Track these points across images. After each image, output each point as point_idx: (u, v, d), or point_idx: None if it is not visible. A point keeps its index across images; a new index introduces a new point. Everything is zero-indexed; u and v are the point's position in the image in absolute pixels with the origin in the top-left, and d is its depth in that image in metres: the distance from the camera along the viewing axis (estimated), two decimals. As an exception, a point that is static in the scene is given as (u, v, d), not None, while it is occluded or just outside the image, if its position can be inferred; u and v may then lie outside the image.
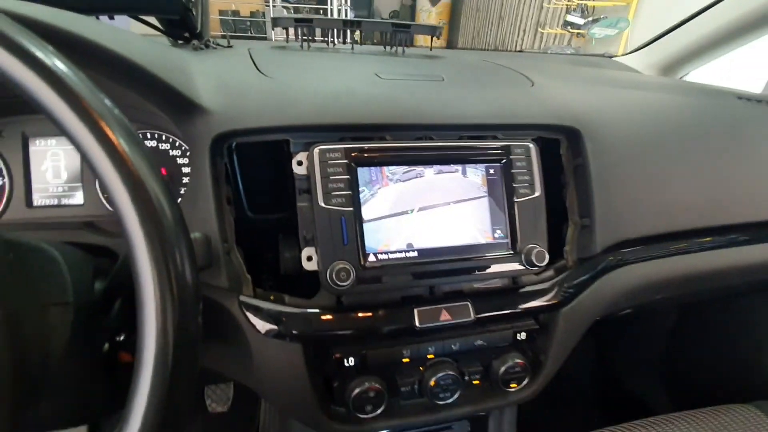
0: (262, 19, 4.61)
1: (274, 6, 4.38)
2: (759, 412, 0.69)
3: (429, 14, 8.49)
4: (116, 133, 0.24)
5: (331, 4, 4.50)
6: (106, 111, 0.24)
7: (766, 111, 0.69)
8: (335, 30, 0.63)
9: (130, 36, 0.40)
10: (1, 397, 0.26)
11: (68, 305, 0.35)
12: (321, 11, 5.69)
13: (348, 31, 0.63)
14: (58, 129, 0.24)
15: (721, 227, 0.59)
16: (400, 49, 0.66)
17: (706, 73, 1.08)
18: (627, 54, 1.17)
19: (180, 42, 0.66)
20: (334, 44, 0.69)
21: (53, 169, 0.51)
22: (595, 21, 2.51)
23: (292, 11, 5.26)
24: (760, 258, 0.61)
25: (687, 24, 1.01)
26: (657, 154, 0.57)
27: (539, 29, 3.42)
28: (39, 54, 0.23)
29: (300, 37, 0.63)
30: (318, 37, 0.66)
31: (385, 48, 0.68)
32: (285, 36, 0.67)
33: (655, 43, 1.10)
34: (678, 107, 0.64)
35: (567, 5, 2.83)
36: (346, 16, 4.57)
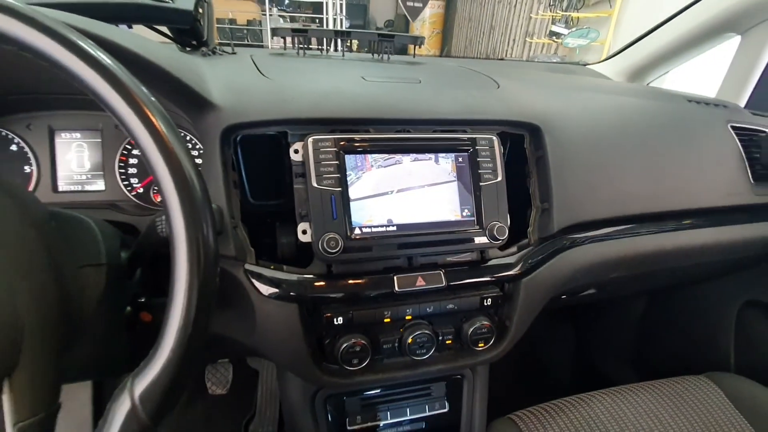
0: (258, 28, 4.71)
1: (270, 15, 4.48)
2: (709, 381, 0.77)
3: (423, 24, 8.63)
4: (158, 119, 0.31)
5: (327, 14, 4.61)
6: (150, 102, 0.31)
7: (709, 113, 0.78)
8: (328, 39, 0.71)
9: (151, 43, 0.47)
10: (50, 342, 0.33)
11: (101, 267, 0.42)
12: (317, 20, 5.80)
13: (339, 40, 0.71)
14: (113, 116, 0.31)
15: (664, 213, 0.67)
16: (386, 56, 0.74)
17: (677, 80, 1.18)
18: (599, 62, 1.26)
19: (188, 49, 0.73)
20: (327, 52, 0.77)
21: (77, 159, 0.58)
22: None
23: (289, 20, 5.36)
24: (697, 240, 0.70)
25: (651, 35, 1.10)
26: (609, 149, 0.65)
27: (528, 39, 3.54)
28: (100, 56, 0.30)
29: (296, 45, 0.71)
30: (313, 46, 0.74)
31: (372, 55, 0.76)
32: (282, 44, 0.74)
33: (623, 52, 1.19)
34: (632, 108, 0.72)
35: (552, 16, 2.94)
36: (341, 25, 4.67)
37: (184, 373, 0.30)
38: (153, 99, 0.32)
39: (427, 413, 0.63)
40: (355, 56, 0.74)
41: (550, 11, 2.98)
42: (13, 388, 0.29)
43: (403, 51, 0.99)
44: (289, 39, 0.70)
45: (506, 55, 4.41)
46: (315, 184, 0.47)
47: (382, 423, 0.61)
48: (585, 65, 1.27)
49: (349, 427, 0.60)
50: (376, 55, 0.76)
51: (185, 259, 0.31)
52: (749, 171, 0.74)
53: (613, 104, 0.73)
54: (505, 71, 0.74)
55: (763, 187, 0.74)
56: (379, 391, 0.62)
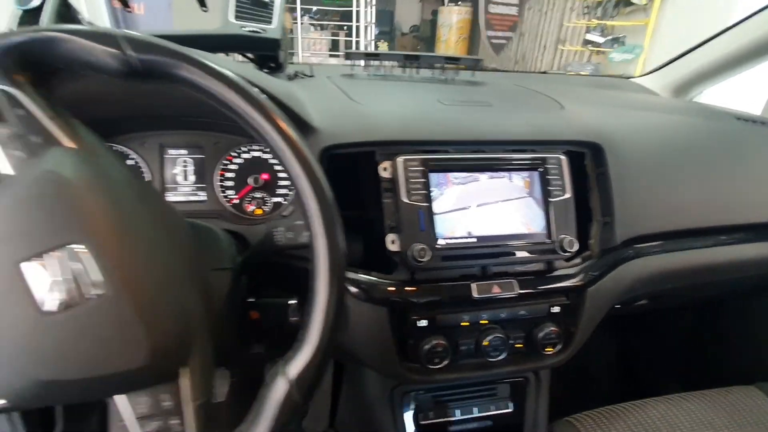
0: (291, 36, 4.85)
1: (301, 23, 4.62)
2: (761, 391, 0.78)
3: (450, 29, 8.66)
4: (308, 155, 0.37)
5: (358, 21, 4.72)
6: (302, 141, 0.37)
7: (758, 130, 0.80)
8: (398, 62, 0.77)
9: (262, 75, 0.54)
10: (208, 335, 0.38)
11: (226, 271, 0.48)
12: (345, 27, 5.92)
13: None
14: (258, 137, 0.36)
15: (717, 227, 0.70)
16: (450, 76, 0.79)
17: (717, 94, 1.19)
18: (643, 75, 1.28)
19: (266, 70, 0.80)
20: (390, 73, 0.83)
21: (182, 172, 0.65)
22: (614, 40, 2.62)
23: (319, 28, 5.51)
24: (749, 254, 0.72)
25: (696, 50, 1.12)
26: (665, 166, 0.69)
27: (559, 46, 3.54)
28: (248, 88, 0.36)
29: (367, 67, 0.77)
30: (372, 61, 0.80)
31: (432, 73, 0.82)
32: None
33: (668, 66, 1.21)
34: (685, 127, 0.75)
35: (587, 25, 2.94)
36: (372, 32, 4.78)
37: (327, 358, 0.36)
38: (302, 138, 0.37)
39: (493, 412, 0.68)
40: (421, 77, 0.80)
41: (585, 19, 2.98)
42: (190, 373, 0.35)
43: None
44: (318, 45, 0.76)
45: (537, 62, 4.41)
46: (405, 200, 0.52)
47: (451, 419, 0.66)
48: (629, 78, 1.29)
49: (421, 422, 0.65)
50: (438, 73, 0.81)
51: (326, 266, 0.36)
52: (805, 186, 0.76)
53: (667, 122, 0.76)
54: (564, 90, 0.78)
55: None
56: (449, 389, 0.67)
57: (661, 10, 2.52)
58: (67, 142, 0.33)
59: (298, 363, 0.35)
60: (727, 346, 1.06)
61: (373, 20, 5.03)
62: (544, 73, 1.38)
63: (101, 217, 0.31)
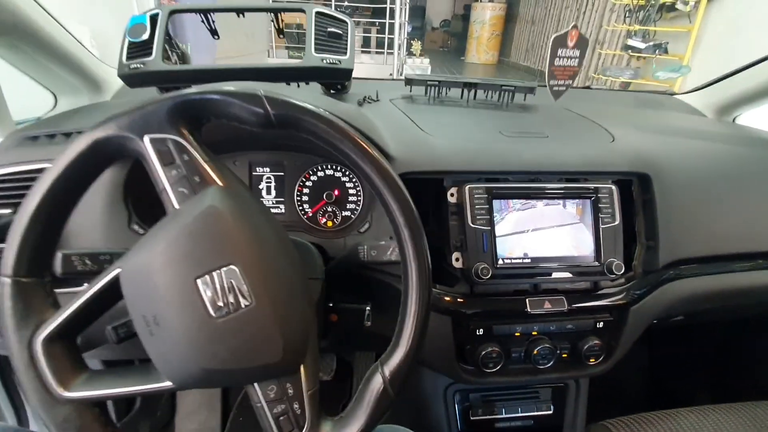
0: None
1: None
2: (792, 408, 0.82)
3: (482, 26, 8.56)
4: (402, 187, 0.44)
5: (393, 19, 4.77)
6: (391, 169, 0.44)
7: None
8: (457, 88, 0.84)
9: (352, 110, 0.62)
10: (315, 335, 0.46)
11: (318, 280, 0.56)
12: (377, 23, 5.96)
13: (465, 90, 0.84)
14: (362, 175, 0.44)
15: (757, 253, 0.74)
16: (505, 102, 0.85)
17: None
18: (688, 93, 1.30)
19: (332, 92, 0.88)
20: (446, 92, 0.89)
21: (266, 187, 0.74)
22: (656, 46, 2.58)
23: (353, 25, 5.59)
24: None
25: (745, 71, 1.13)
26: (708, 193, 0.73)
27: (599, 50, 3.49)
28: (357, 138, 0.43)
29: (429, 93, 0.84)
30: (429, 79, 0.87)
31: (488, 98, 0.88)
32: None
33: (713, 85, 1.22)
34: (728, 155, 0.79)
35: (628, 29, 2.90)
36: (404, 29, 4.82)
37: (415, 359, 0.44)
38: (399, 179, 0.44)
39: (535, 413, 0.75)
40: (479, 103, 0.86)
41: (625, 23, 2.94)
42: (306, 367, 0.43)
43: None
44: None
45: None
46: (471, 224, 0.59)
47: (497, 417, 0.74)
48: (672, 95, 1.31)
49: (472, 417, 0.72)
50: (494, 97, 0.87)
51: (417, 284, 0.43)
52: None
53: (710, 150, 0.80)
54: (610, 112, 0.83)
55: None
56: (497, 390, 0.74)
57: (705, 17, 2.47)
58: (219, 181, 0.41)
59: (392, 364, 0.43)
60: (756, 360, 1.09)
61: (407, 18, 5.07)
62: (588, 88, 1.41)
63: (246, 244, 0.39)
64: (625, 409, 0.82)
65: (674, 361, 1.29)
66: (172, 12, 0.76)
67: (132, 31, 0.73)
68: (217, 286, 0.37)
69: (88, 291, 0.39)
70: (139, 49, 0.74)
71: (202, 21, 0.80)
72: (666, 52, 2.71)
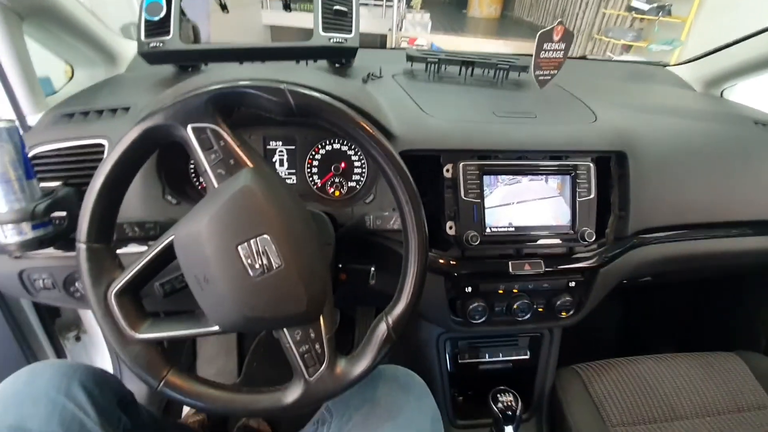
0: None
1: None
2: (738, 357, 0.95)
3: (485, -19, 8.16)
4: (401, 164, 0.52)
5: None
6: (388, 144, 0.51)
7: None
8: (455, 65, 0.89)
9: (361, 93, 0.68)
10: (328, 291, 0.54)
11: (331, 245, 0.65)
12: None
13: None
14: (370, 158, 0.51)
15: (718, 222, 0.83)
16: (499, 79, 0.91)
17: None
18: (679, 64, 1.34)
19: (337, 65, 0.93)
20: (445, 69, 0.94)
21: (279, 160, 0.81)
22: (660, 8, 2.55)
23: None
24: (743, 246, 0.85)
25: (736, 45, 1.17)
26: (679, 169, 0.81)
27: (602, 8, 3.42)
28: (368, 126, 0.50)
29: (428, 69, 0.90)
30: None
31: (484, 74, 0.93)
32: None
33: (704, 58, 1.26)
34: (703, 133, 0.86)
35: (633, -10, 2.84)
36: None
37: (414, 311, 0.53)
38: (402, 162, 0.52)
39: (514, 357, 0.87)
40: (475, 79, 0.92)
41: (631, -17, 2.88)
42: (324, 316, 0.53)
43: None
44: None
45: (576, 20, 4.26)
46: (463, 197, 0.68)
47: (481, 360, 0.86)
48: (665, 66, 1.36)
49: (460, 361, 0.84)
50: (488, 73, 0.93)
51: (416, 248, 0.52)
52: (802, 190, 0.87)
53: (685, 128, 0.87)
54: (599, 87, 0.88)
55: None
56: (481, 338, 0.85)
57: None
58: (249, 163, 0.49)
59: (395, 314, 0.52)
60: (718, 317, 1.22)
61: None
62: (584, 58, 1.44)
63: (275, 217, 0.47)
64: (598, 357, 0.94)
65: (646, 315, 1.43)
66: (185, -13, 0.80)
67: (149, 9, 0.77)
68: (254, 251, 0.46)
69: (148, 254, 0.47)
70: (156, 28, 0.78)
71: (214, -3, 0.84)
72: (669, 13, 2.67)
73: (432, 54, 0.90)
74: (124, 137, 0.46)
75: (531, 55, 0.81)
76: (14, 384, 0.53)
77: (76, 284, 0.67)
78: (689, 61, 1.33)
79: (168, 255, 0.48)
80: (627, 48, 3.10)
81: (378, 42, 4.75)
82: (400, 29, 4.73)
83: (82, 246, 0.46)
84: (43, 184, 0.59)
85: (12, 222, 0.51)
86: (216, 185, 0.48)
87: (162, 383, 0.48)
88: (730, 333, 1.20)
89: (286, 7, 0.99)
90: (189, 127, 0.47)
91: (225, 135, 0.48)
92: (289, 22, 2.72)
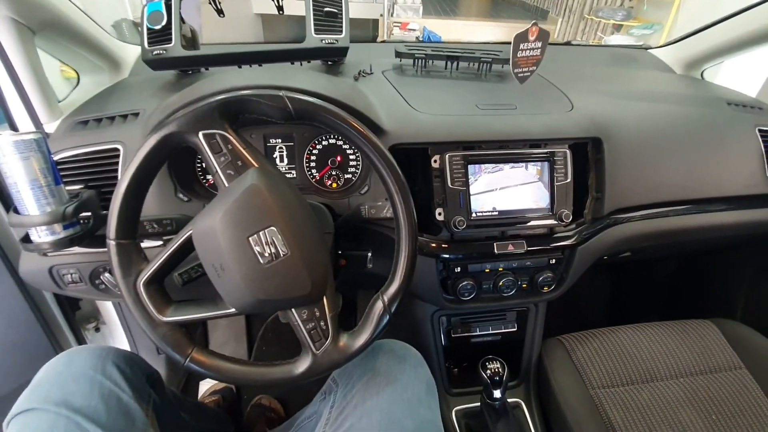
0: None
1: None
2: (712, 324, 1.02)
3: (476, -42, 8.00)
4: (391, 159, 0.58)
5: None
6: (379, 142, 0.57)
7: (741, 117, 0.96)
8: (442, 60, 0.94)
9: (354, 94, 0.73)
10: (330, 275, 0.61)
11: (331, 234, 0.72)
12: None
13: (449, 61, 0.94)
14: (364, 155, 0.57)
15: (690, 200, 0.89)
16: (483, 72, 0.96)
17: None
18: (662, 46, 1.38)
19: (330, 63, 0.98)
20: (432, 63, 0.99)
21: (279, 156, 0.87)
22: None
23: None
24: (715, 221, 0.92)
25: (713, 27, 1.21)
26: (653, 151, 0.87)
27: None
28: (360, 127, 0.56)
29: (416, 64, 0.95)
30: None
31: (469, 66, 0.99)
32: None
33: (685, 39, 1.31)
34: (676, 116, 0.92)
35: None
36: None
37: (407, 290, 0.60)
38: (393, 159, 0.58)
39: (503, 330, 0.94)
40: (461, 72, 0.97)
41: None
42: (327, 298, 0.59)
43: None
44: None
45: (568, 0, 4.25)
46: (450, 185, 0.74)
47: (473, 334, 0.93)
48: (648, 49, 1.40)
49: (453, 335, 0.92)
50: (474, 66, 0.98)
51: (407, 233, 0.58)
52: (767, 167, 0.93)
53: (661, 113, 0.93)
54: (579, 74, 0.94)
55: (778, 180, 0.94)
56: (473, 314, 0.93)
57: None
58: (255, 164, 0.55)
59: (389, 293, 0.59)
60: (698, 288, 1.30)
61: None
62: (568, 44, 1.49)
63: (280, 211, 0.53)
64: (586, 329, 1.01)
65: (632, 289, 1.51)
66: (183, -4, 0.85)
67: (151, 19, 0.82)
68: (263, 241, 0.52)
69: (170, 247, 0.54)
70: (158, 35, 0.83)
71: (210, 3, 0.88)
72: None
73: (419, 49, 0.95)
74: (143, 145, 0.52)
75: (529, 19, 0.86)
76: (55, 367, 0.60)
77: (101, 277, 0.74)
78: (671, 43, 1.37)
79: (187, 247, 0.54)
80: (618, 27, 3.12)
81: (370, 26, 4.72)
82: (392, 14, 4.70)
83: (112, 243, 0.53)
84: (66, 188, 0.65)
85: (45, 224, 0.57)
86: (226, 184, 0.54)
87: (188, 359, 0.55)
88: (708, 302, 1.27)
89: (279, 9, 1.03)
90: (200, 134, 0.53)
91: (232, 139, 0.54)
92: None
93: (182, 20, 0.85)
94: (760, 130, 0.94)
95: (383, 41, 1.26)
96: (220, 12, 0.91)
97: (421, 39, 4.98)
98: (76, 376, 0.58)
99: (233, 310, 0.55)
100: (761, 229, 1.01)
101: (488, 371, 0.78)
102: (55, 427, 0.51)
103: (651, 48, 1.41)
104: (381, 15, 4.65)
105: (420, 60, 0.94)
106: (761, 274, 1.15)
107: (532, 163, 0.77)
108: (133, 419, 0.58)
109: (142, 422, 0.58)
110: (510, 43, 0.81)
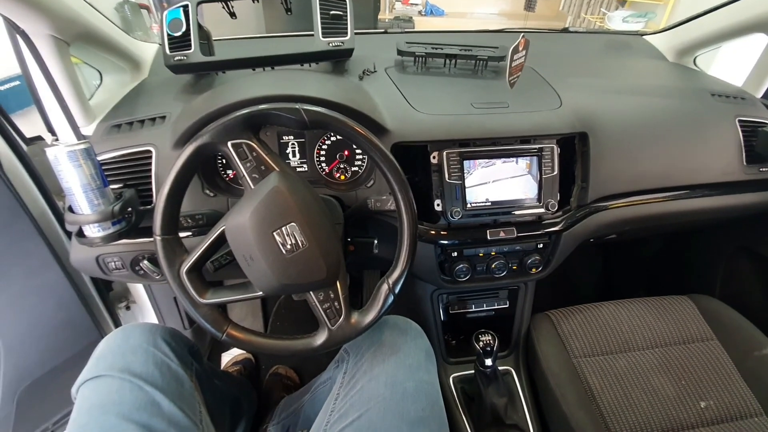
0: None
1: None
2: (689, 299, 1.12)
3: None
4: (395, 162, 0.66)
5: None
6: (382, 146, 0.66)
7: (723, 108, 1.02)
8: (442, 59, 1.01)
9: (359, 96, 0.81)
10: (342, 262, 0.70)
11: (341, 224, 0.81)
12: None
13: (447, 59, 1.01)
14: (370, 157, 0.66)
15: (671, 187, 0.97)
16: (480, 70, 1.03)
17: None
18: (655, 33, 1.42)
19: (335, 61, 1.05)
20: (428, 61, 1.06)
21: (292, 152, 0.95)
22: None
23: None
24: (694, 206, 1.00)
25: (705, 16, 1.25)
26: (636, 142, 0.94)
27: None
28: (369, 136, 0.65)
29: (417, 62, 1.01)
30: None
31: (467, 63, 1.05)
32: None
33: (679, 27, 1.35)
34: (660, 109, 0.99)
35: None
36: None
37: (408, 273, 0.69)
38: (395, 161, 0.66)
39: (495, 306, 1.05)
40: (459, 72, 1.04)
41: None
42: (340, 281, 0.69)
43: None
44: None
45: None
46: (447, 179, 0.82)
47: (469, 310, 1.04)
48: (642, 35, 1.44)
49: (451, 311, 1.02)
50: (470, 63, 1.04)
51: (408, 222, 0.67)
52: (744, 155, 1.01)
53: (646, 106, 0.99)
54: (573, 65, 1.01)
55: (752, 168, 1.01)
56: (468, 293, 1.03)
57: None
58: (276, 168, 0.64)
59: (393, 276, 0.68)
60: (680, 266, 1.39)
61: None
62: (566, 30, 1.53)
63: (299, 209, 0.62)
64: (575, 304, 1.11)
65: (619, 268, 1.61)
66: (199, 2, 0.91)
67: (171, 26, 0.89)
68: (285, 235, 0.61)
69: (206, 240, 0.63)
70: (179, 42, 0.90)
71: (224, 7, 0.95)
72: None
73: (419, 47, 1.01)
74: (181, 154, 0.61)
75: (515, 32, 0.91)
76: (114, 340, 0.70)
77: (140, 264, 0.84)
78: (664, 30, 1.41)
79: (221, 241, 0.64)
80: (622, 2, 3.09)
81: (371, 4, 4.67)
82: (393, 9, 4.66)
83: (158, 238, 0.62)
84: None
85: (97, 222, 0.67)
86: (252, 187, 0.63)
87: (224, 335, 0.65)
88: (690, 279, 1.37)
89: (288, 11, 1.08)
90: (229, 143, 0.61)
91: (256, 147, 0.63)
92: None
93: (199, 25, 0.92)
94: (740, 120, 1.01)
95: (385, 32, 1.31)
96: (232, 15, 0.97)
97: (423, 13, 4.93)
98: (133, 348, 0.69)
99: (261, 293, 0.65)
100: (738, 212, 1.09)
101: (481, 342, 0.88)
102: (121, 389, 0.63)
103: (646, 34, 1.45)
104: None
105: (420, 58, 1.01)
106: (739, 253, 1.24)
107: (522, 158, 0.85)
108: (182, 383, 0.69)
109: (189, 386, 0.70)
110: (504, 31, 0.87)
